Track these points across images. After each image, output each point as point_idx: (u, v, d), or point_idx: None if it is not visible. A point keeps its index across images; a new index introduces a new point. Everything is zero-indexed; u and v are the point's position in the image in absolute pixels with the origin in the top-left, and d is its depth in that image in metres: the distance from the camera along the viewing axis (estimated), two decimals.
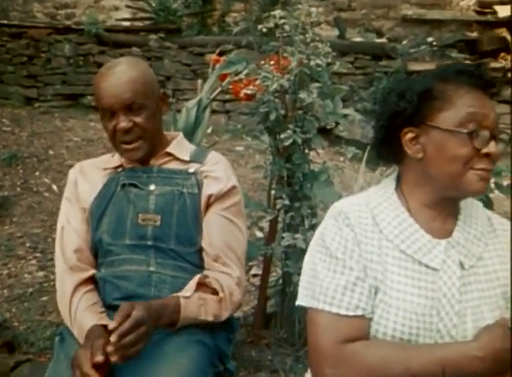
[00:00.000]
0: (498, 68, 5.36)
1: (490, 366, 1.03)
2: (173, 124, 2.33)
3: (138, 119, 1.51)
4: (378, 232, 1.13)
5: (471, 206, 1.20)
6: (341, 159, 4.69)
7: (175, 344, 1.37)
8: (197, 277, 1.45)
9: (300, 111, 2.02)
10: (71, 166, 1.70)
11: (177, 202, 1.52)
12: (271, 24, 1.95)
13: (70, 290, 1.47)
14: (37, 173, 4.36)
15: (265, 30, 1.98)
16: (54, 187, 4.09)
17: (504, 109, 5.25)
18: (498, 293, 1.14)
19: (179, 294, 1.41)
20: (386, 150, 1.20)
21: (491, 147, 1.08)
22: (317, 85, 1.98)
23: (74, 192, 1.59)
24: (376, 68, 5.56)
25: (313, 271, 1.14)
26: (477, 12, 6.60)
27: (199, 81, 2.70)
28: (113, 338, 1.21)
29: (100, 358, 1.23)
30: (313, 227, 2.04)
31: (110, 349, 1.21)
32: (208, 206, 1.54)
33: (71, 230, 1.55)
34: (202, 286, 1.45)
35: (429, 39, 5.96)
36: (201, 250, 1.52)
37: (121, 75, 1.50)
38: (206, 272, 1.49)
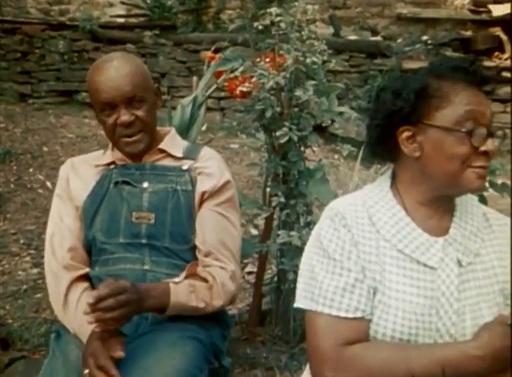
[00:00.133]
0: (492, 67, 5.38)
1: (490, 365, 1.03)
2: (168, 121, 2.33)
3: (139, 113, 1.50)
4: (375, 232, 1.12)
5: (466, 202, 1.19)
6: (337, 156, 4.70)
7: (170, 339, 1.36)
8: (188, 265, 1.45)
9: (296, 109, 2.02)
10: None
11: (171, 199, 1.51)
12: (267, 22, 1.94)
13: (64, 287, 1.46)
14: (31, 170, 4.34)
15: (260, 27, 1.97)
16: (48, 184, 4.07)
17: (499, 107, 5.28)
18: (496, 290, 1.13)
19: (168, 280, 1.41)
20: (381, 148, 1.19)
21: (489, 144, 1.08)
22: (313, 82, 1.98)
23: (66, 188, 1.57)
24: (371, 66, 5.56)
25: (311, 273, 1.13)
26: (472, 11, 6.63)
27: (195, 78, 2.70)
28: (90, 300, 1.21)
29: (120, 353, 1.24)
30: (309, 224, 2.04)
31: (86, 311, 1.22)
32: (202, 202, 1.54)
33: (64, 228, 1.53)
34: (192, 275, 1.45)
35: (424, 38, 5.98)
36: (195, 247, 1.51)
37: (120, 68, 1.48)
38: (199, 269, 1.48)
